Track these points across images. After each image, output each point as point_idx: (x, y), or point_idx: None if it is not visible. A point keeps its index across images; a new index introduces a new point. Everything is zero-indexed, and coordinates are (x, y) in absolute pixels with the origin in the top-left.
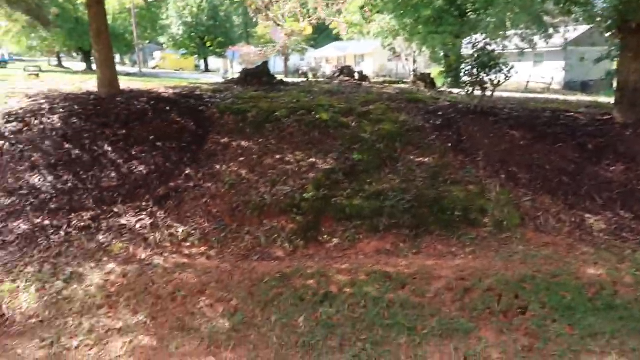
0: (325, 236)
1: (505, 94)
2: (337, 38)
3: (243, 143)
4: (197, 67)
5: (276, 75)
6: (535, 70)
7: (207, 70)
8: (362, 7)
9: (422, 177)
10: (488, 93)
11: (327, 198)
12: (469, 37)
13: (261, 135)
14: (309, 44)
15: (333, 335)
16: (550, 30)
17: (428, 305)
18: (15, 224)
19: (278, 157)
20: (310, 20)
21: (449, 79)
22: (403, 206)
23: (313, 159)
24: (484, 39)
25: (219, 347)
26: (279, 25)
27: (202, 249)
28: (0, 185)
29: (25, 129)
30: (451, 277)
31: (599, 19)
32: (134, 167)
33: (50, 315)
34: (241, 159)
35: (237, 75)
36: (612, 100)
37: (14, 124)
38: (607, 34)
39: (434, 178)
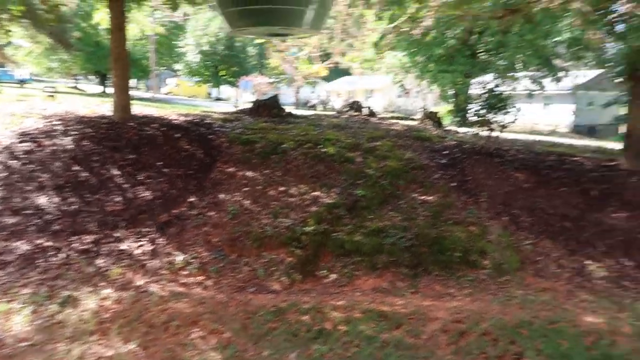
0: (324, 271)
1: (511, 136)
2: (348, 72)
3: (249, 173)
4: (209, 94)
5: (286, 107)
6: (544, 113)
7: (219, 98)
8: (375, 44)
9: (424, 215)
10: (494, 134)
11: (327, 232)
12: (479, 77)
13: (267, 166)
14: (320, 77)
15: None
16: (560, 74)
17: (422, 347)
18: (16, 244)
19: (282, 189)
20: (327, 64)
21: (457, 118)
22: (403, 244)
23: (317, 193)
24: (494, 80)
25: None
26: (295, 67)
27: (200, 278)
28: (7, 204)
29: (37, 149)
30: (447, 318)
31: (609, 65)
32: (140, 192)
33: (41, 339)
34: (246, 189)
35: (247, 105)
36: (618, 146)
37: (28, 143)
38: (617, 80)
39: (436, 217)
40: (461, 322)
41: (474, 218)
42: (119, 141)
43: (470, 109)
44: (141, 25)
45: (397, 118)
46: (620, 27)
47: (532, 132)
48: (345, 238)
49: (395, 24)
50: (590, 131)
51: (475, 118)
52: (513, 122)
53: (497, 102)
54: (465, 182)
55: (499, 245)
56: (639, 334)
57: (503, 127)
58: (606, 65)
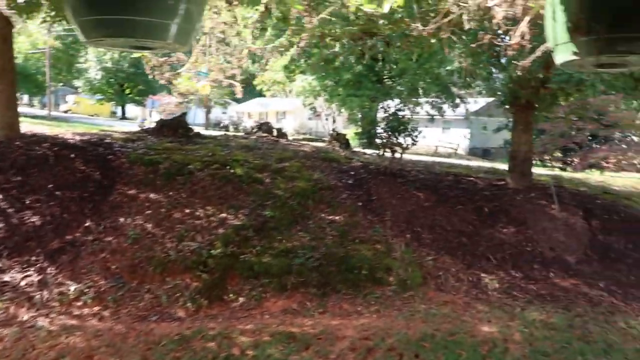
0: (231, 295)
1: (415, 157)
2: (261, 94)
3: (152, 195)
4: (113, 113)
5: (196, 128)
6: (443, 136)
7: (124, 117)
8: (285, 67)
9: (332, 235)
10: (397, 155)
11: (235, 255)
12: (385, 102)
13: (172, 188)
14: (232, 97)
15: None
16: (457, 100)
17: None
18: None
19: (188, 211)
20: (211, 82)
21: (364, 140)
22: (312, 264)
23: (224, 214)
24: (398, 104)
25: None
26: (171, 83)
27: (95, 309)
28: None
29: None
30: (355, 336)
31: (498, 94)
32: (26, 218)
33: None
34: (148, 211)
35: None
36: (507, 167)
37: None
38: (503, 108)
39: (343, 236)
40: (368, 339)
41: (379, 236)
42: (3, 162)
43: (375, 132)
44: (33, 38)
45: (308, 140)
46: (503, 60)
47: (433, 155)
48: (253, 260)
49: (273, 44)
50: (484, 153)
51: (379, 140)
52: (414, 144)
53: (398, 125)
54: (370, 201)
55: (403, 262)
56: (528, 340)
57: (404, 148)
58: (495, 93)
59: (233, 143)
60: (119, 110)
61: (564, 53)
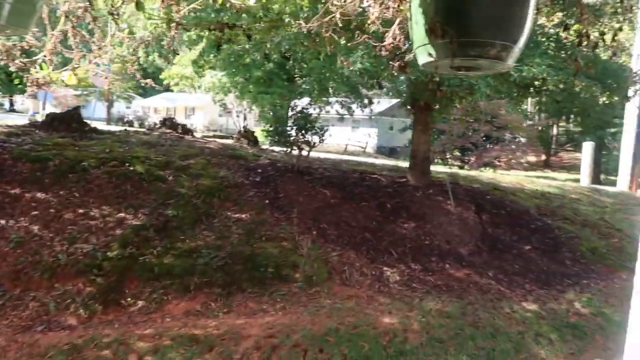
0: (129, 299)
1: (325, 155)
2: (168, 89)
3: (39, 195)
4: (0, 105)
5: (96, 123)
6: (353, 135)
7: (12, 110)
8: (194, 62)
9: (238, 233)
10: (304, 153)
11: (134, 257)
12: (296, 100)
13: (63, 186)
14: (137, 92)
15: None
16: (365, 101)
17: None
18: None
19: (81, 211)
20: (74, 70)
21: (273, 138)
22: (216, 264)
23: (122, 214)
24: (309, 103)
25: None
26: (29, 73)
27: None
28: None
29: None
30: (260, 335)
31: (404, 95)
32: None
33: None
34: (35, 212)
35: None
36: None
37: None
38: (406, 109)
39: (250, 234)
40: (274, 337)
41: (286, 233)
42: None
43: (283, 130)
44: None
45: (219, 137)
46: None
47: (343, 153)
48: (154, 261)
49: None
50: (391, 152)
51: (287, 138)
52: (321, 142)
53: (305, 123)
54: (278, 199)
55: (309, 258)
56: (425, 329)
57: (312, 146)
58: (401, 95)
59: (134, 139)
60: (6, 102)
61: (423, 54)
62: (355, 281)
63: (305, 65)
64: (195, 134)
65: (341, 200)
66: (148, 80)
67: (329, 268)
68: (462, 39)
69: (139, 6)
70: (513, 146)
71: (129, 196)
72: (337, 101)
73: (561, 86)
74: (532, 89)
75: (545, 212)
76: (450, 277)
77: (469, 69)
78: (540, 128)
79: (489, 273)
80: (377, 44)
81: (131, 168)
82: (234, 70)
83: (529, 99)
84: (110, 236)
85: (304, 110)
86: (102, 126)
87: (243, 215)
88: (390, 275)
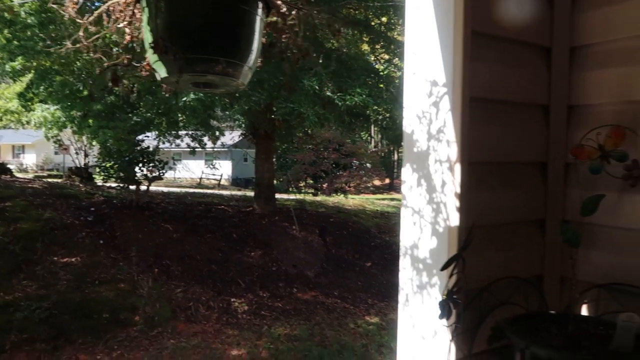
0: None
1: (177, 190)
2: None
3: None
4: None
5: None
6: (208, 168)
7: None
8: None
9: (65, 279)
10: (143, 188)
11: None
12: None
13: None
14: None
15: None
16: (217, 133)
17: None
18: None
19: None
20: None
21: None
22: (39, 316)
23: None
24: (156, 137)
25: None
26: None
27: None
28: None
29: None
30: None
31: (243, 125)
32: None
33: None
34: None
35: None
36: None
37: None
38: (246, 138)
39: (81, 279)
40: None
41: (124, 274)
42: None
43: (120, 164)
44: None
45: (54, 176)
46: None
47: (197, 186)
48: None
49: None
50: (247, 183)
51: (122, 173)
52: (160, 176)
53: (142, 157)
54: (114, 238)
55: (150, 298)
56: (274, 355)
57: (151, 180)
58: (240, 125)
59: None
60: None
61: (159, 70)
62: (201, 316)
63: (150, 98)
64: (24, 174)
65: (185, 234)
66: None
67: (173, 306)
68: (186, 56)
69: None
70: (361, 172)
71: None
72: (186, 134)
73: (387, 115)
74: (361, 117)
75: (384, 230)
76: (298, 301)
77: (207, 85)
78: (382, 154)
79: (335, 292)
80: (138, 65)
81: None
82: (69, 103)
83: (372, 127)
84: None
85: (140, 143)
86: None
87: (73, 259)
88: (238, 305)
